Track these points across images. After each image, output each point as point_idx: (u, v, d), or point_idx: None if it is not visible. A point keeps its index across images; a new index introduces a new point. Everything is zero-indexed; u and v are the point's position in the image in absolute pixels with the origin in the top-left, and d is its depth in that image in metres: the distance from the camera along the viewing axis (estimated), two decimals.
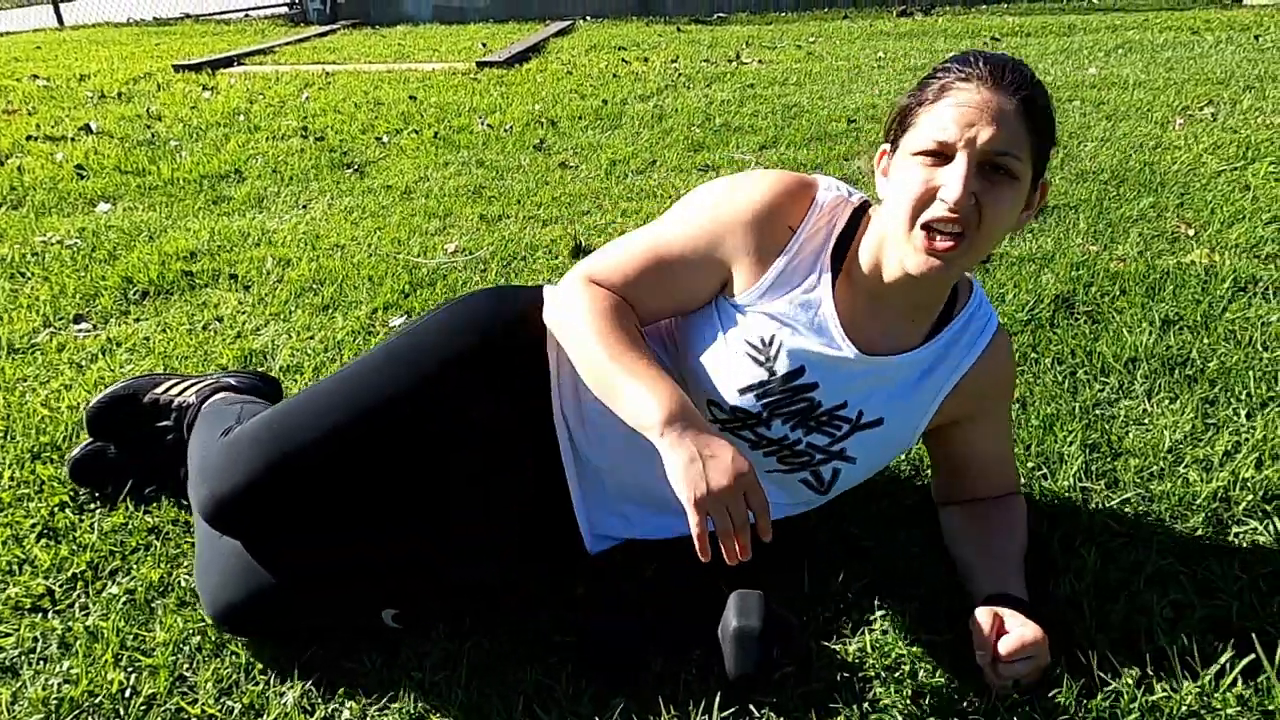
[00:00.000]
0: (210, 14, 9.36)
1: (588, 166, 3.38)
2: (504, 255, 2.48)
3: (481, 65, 5.67)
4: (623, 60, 5.79)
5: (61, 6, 9.41)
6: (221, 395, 1.46)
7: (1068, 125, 3.59)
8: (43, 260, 2.56)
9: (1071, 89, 4.27)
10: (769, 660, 1.04)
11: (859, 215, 1.10)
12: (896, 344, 1.11)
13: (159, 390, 1.49)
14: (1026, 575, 1.14)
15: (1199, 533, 1.30)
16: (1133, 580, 1.21)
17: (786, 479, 1.16)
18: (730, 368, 1.09)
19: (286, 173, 3.43)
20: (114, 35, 8.24)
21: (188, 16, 9.29)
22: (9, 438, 1.65)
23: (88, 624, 1.19)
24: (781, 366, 1.08)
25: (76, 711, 1.07)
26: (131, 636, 1.17)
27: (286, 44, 7.17)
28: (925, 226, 0.95)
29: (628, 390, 0.97)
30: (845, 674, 1.08)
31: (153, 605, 1.23)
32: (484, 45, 6.75)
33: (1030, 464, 1.48)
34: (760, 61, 5.58)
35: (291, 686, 1.09)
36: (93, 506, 1.45)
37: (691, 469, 0.91)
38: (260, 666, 1.12)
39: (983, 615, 1.04)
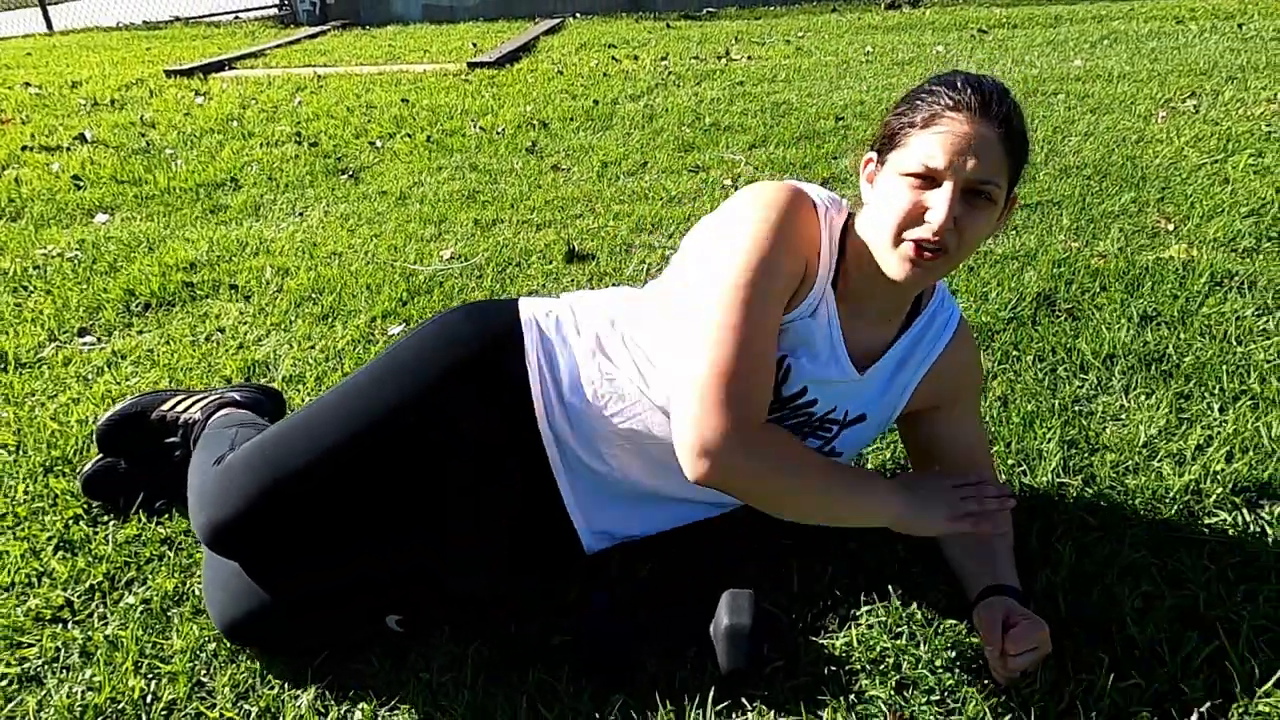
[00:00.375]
0: (200, 16, 9.36)
1: (580, 169, 3.43)
2: (499, 261, 2.53)
3: (473, 66, 5.70)
4: (613, 58, 5.82)
5: (50, 10, 9.39)
6: (225, 411, 1.51)
7: (1052, 119, 3.64)
8: (44, 273, 2.60)
9: (1057, 82, 4.31)
10: (759, 655, 1.10)
11: (846, 226, 1.14)
12: (875, 342, 1.18)
13: (165, 407, 1.54)
14: None
15: (1171, 525, 1.36)
16: (1106, 573, 1.26)
17: None
18: None
19: (282, 180, 3.47)
20: (104, 40, 8.24)
21: (177, 19, 9.29)
22: (21, 452, 1.69)
23: (107, 633, 1.25)
24: (788, 389, 1.14)
25: (100, 718, 1.12)
26: (150, 645, 1.22)
27: (277, 46, 7.18)
28: (909, 241, 1.01)
29: (857, 506, 1.10)
30: (832, 667, 1.14)
31: (169, 614, 1.28)
32: (474, 45, 6.77)
33: (1010, 460, 1.53)
34: (750, 58, 5.61)
35: (305, 690, 1.14)
36: (106, 519, 1.50)
37: (931, 521, 1.09)
38: (275, 672, 1.17)
39: (989, 612, 1.09)
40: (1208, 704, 1.05)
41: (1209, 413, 1.63)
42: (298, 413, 1.23)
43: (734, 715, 1.09)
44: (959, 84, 1.01)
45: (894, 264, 1.03)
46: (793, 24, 7.04)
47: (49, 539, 1.45)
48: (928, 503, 1.10)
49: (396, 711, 1.11)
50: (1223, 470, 1.45)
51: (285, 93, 5.20)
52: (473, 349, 1.23)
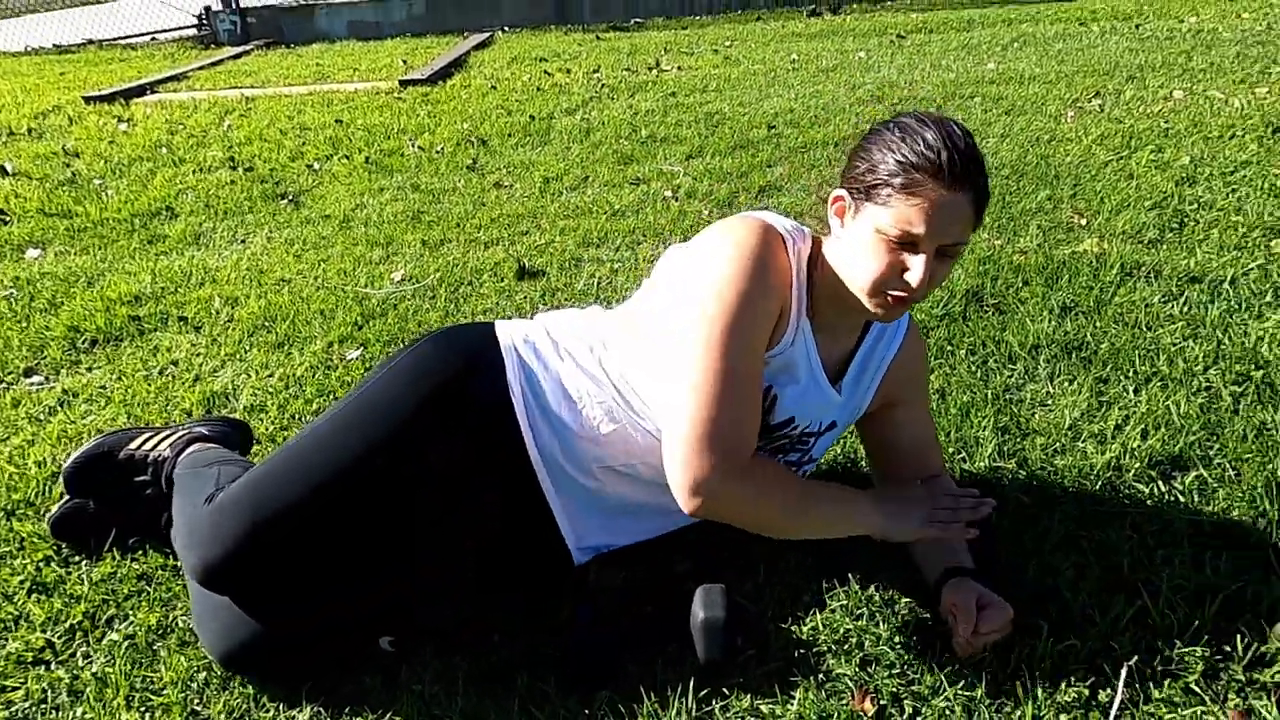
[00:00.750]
0: (114, 39, 9.08)
1: (522, 185, 3.48)
2: (451, 281, 2.57)
3: (405, 84, 5.69)
4: (545, 72, 5.88)
5: None
6: (196, 446, 1.53)
7: (970, 122, 3.83)
8: None
9: (973, 85, 4.53)
10: (733, 645, 1.18)
11: (812, 253, 1.22)
12: (840, 354, 1.28)
13: (133, 446, 1.55)
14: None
15: (1096, 500, 1.49)
16: (1042, 547, 1.38)
17: None
18: None
19: (220, 207, 3.43)
20: (12, 65, 7.93)
21: (90, 42, 8.99)
22: None
23: (94, 671, 1.26)
24: (775, 419, 1.23)
25: None
26: (139, 679, 1.24)
27: (200, 68, 7.03)
28: (888, 293, 1.11)
29: (837, 522, 1.21)
30: (801, 651, 1.23)
31: (154, 648, 1.30)
32: (404, 62, 6.74)
33: (951, 449, 1.65)
34: (680, 68, 5.73)
35: (300, 710, 1.18)
36: (78, 559, 1.50)
37: (910, 529, 1.21)
38: (268, 695, 1.21)
39: (962, 594, 1.18)
40: (1135, 658, 1.17)
41: (1125, 395, 1.78)
42: (281, 450, 1.27)
43: (714, 702, 1.16)
44: (936, 146, 1.03)
45: (872, 307, 1.13)
46: (719, 33, 7.20)
47: (20, 582, 1.45)
48: (903, 513, 1.21)
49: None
50: (1139, 447, 1.59)
51: (213, 116, 5.11)
52: (445, 377, 1.28)
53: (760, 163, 3.53)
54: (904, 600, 1.30)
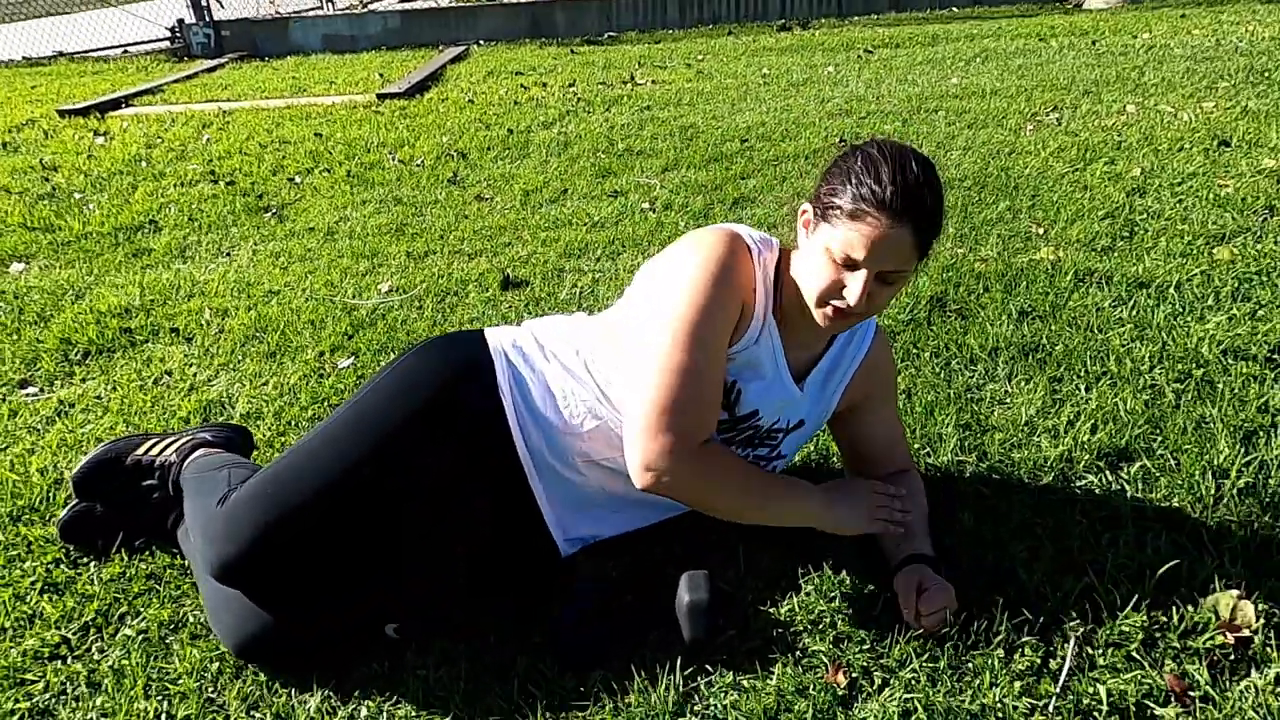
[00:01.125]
0: (86, 51, 9.03)
1: (502, 198, 3.57)
2: (437, 291, 2.65)
3: (382, 97, 5.76)
4: (521, 86, 5.97)
5: None
6: (201, 451, 1.60)
7: (935, 136, 3.99)
8: None
9: (938, 99, 4.70)
10: (716, 626, 1.27)
11: (779, 261, 1.33)
12: (808, 356, 1.38)
13: (140, 451, 1.61)
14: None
15: (1049, 489, 1.61)
16: (999, 532, 1.49)
17: None
18: None
19: (204, 220, 3.48)
20: None
21: (61, 55, 8.94)
22: None
23: (110, 663, 1.33)
24: (740, 411, 1.33)
25: None
26: (155, 670, 1.31)
27: (174, 81, 7.04)
28: (829, 305, 1.22)
29: (791, 514, 1.34)
30: (779, 630, 1.32)
31: (167, 641, 1.37)
32: (381, 75, 6.81)
33: (917, 444, 1.76)
34: (654, 82, 5.86)
35: (311, 695, 1.26)
36: (86, 561, 1.56)
37: (859, 521, 1.33)
38: (280, 682, 1.28)
39: (906, 579, 1.31)
40: (1082, 629, 1.28)
41: (1077, 393, 1.90)
42: (289, 452, 1.34)
43: (699, 679, 1.25)
44: (885, 179, 1.13)
45: (817, 316, 1.25)
46: (692, 47, 7.34)
47: (32, 583, 1.50)
48: (849, 509, 1.34)
49: (400, 704, 1.24)
50: (1089, 440, 1.72)
51: (191, 130, 5.15)
52: (433, 390, 1.36)
53: (734, 175, 3.65)
54: (872, 584, 1.40)
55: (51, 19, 11.80)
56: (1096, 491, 1.59)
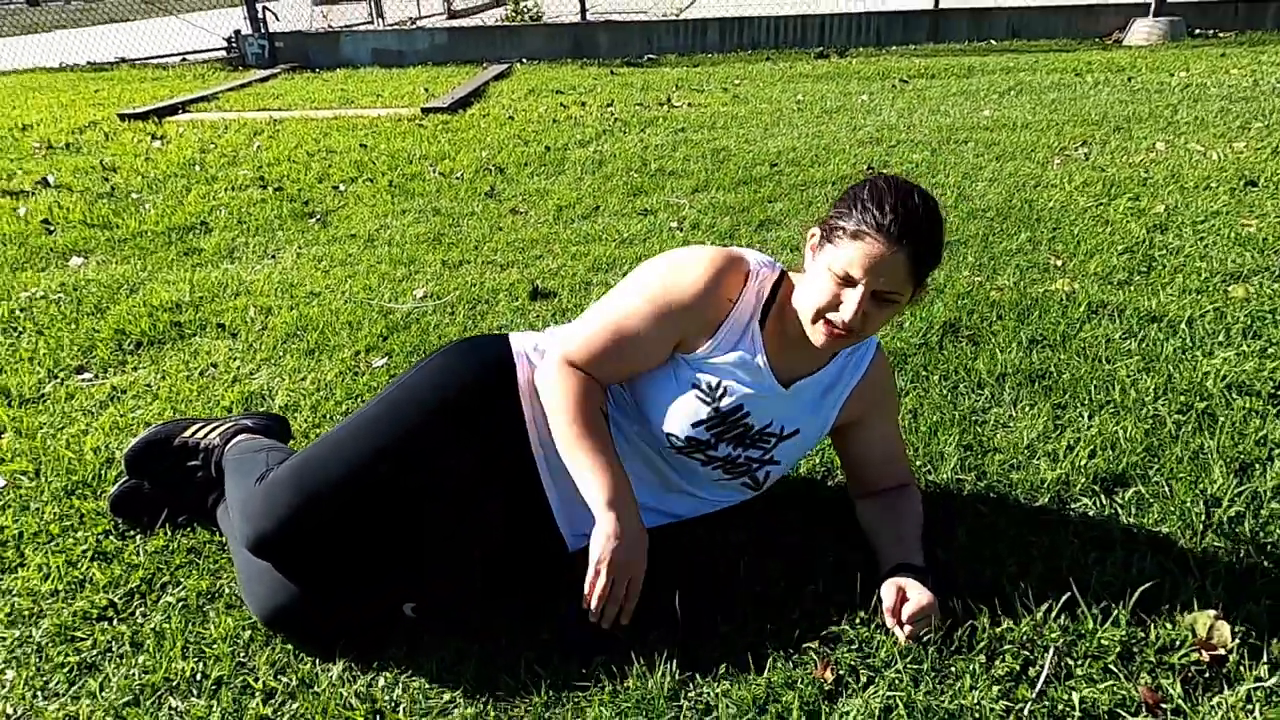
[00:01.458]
0: (146, 58, 9.41)
1: (536, 212, 3.69)
2: (469, 299, 2.77)
3: (426, 111, 5.95)
4: (561, 104, 6.14)
5: None
6: (242, 436, 1.71)
7: (962, 166, 4.05)
8: (31, 315, 2.75)
9: (968, 130, 4.76)
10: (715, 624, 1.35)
11: (780, 281, 1.43)
12: (806, 368, 1.46)
13: (187, 434, 1.73)
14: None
15: (1044, 510, 1.67)
16: (993, 548, 1.56)
17: (731, 484, 1.50)
18: (685, 409, 1.41)
19: (252, 224, 3.65)
20: (49, 81, 8.25)
21: (123, 61, 9.32)
22: (42, 478, 1.86)
23: (152, 626, 1.44)
24: (724, 404, 1.41)
25: (158, 693, 1.31)
26: (193, 634, 1.42)
27: (229, 90, 7.31)
28: (825, 321, 1.31)
29: (585, 472, 1.35)
30: (773, 627, 1.40)
31: (205, 610, 1.48)
32: (426, 90, 7.02)
33: (919, 462, 1.83)
34: (690, 105, 5.99)
35: (335, 664, 1.36)
36: (133, 534, 1.68)
37: (609, 542, 1.30)
38: (306, 650, 1.38)
39: (889, 588, 1.37)
40: (1062, 640, 1.34)
41: (1079, 419, 1.96)
42: (323, 438, 1.45)
43: (694, 669, 1.33)
44: (887, 207, 1.23)
45: (812, 334, 1.34)
46: (729, 72, 7.47)
47: (83, 551, 1.63)
48: (599, 535, 1.31)
49: (415, 677, 1.33)
50: (1087, 465, 1.77)
51: (243, 136, 5.37)
52: (456, 390, 1.46)
53: (761, 198, 3.74)
54: (863, 588, 1.47)
55: (115, 25, 12.30)
56: (1090, 514, 1.65)
